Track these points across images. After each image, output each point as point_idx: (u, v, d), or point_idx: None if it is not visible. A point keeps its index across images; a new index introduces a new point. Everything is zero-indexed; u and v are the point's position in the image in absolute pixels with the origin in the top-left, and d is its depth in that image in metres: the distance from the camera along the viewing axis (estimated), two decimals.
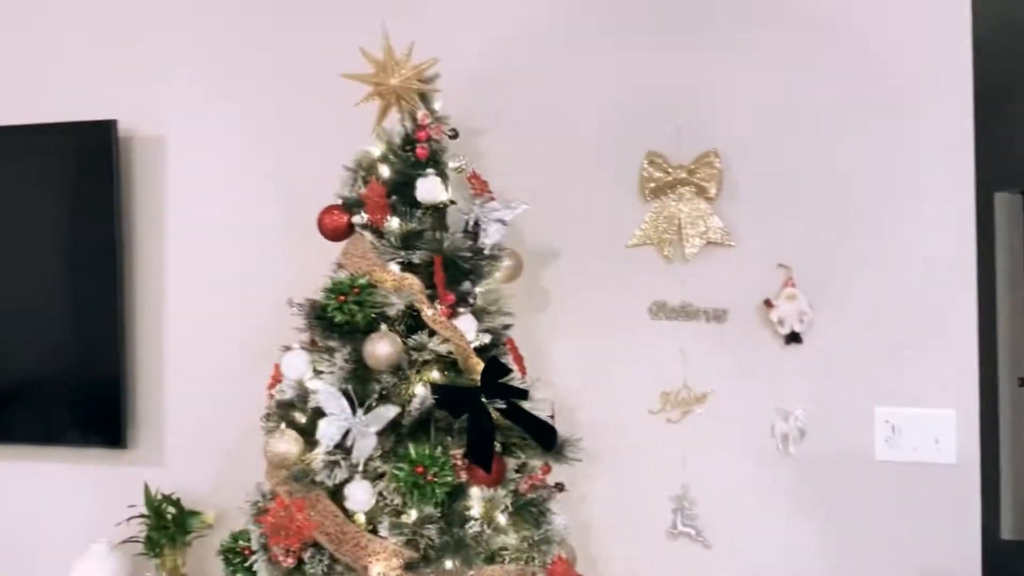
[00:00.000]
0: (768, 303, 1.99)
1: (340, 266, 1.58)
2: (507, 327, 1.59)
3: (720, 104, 2.05)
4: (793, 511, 2.00)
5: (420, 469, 1.34)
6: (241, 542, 1.52)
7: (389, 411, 1.40)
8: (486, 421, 1.40)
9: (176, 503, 2.17)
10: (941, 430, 1.90)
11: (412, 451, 1.36)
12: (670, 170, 2.05)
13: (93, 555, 2.16)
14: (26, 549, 2.44)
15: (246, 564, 1.49)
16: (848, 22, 1.97)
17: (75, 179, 2.31)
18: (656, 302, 2.09)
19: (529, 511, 1.51)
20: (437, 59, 1.57)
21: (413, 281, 1.46)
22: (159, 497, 2.16)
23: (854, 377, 1.96)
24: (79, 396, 2.33)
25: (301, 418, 1.55)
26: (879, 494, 1.95)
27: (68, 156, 2.31)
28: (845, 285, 1.98)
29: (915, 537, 1.92)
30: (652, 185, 2.07)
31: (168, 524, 2.11)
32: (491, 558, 1.42)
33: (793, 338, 1.98)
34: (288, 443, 1.48)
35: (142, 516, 2.16)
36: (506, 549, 1.45)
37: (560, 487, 1.62)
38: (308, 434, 1.49)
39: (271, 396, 1.62)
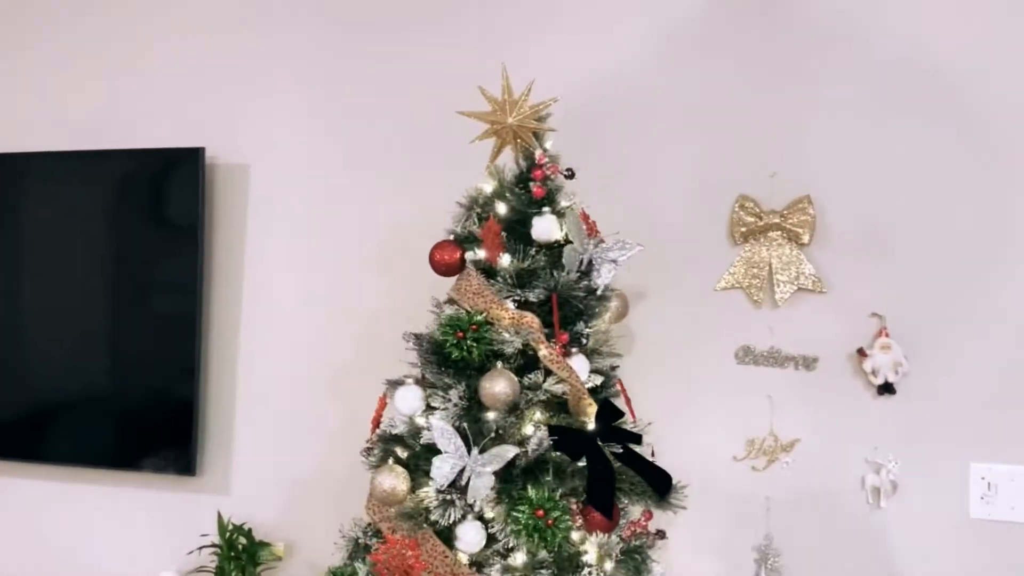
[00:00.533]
0: (862, 352, 1.96)
1: (451, 302, 1.57)
2: (614, 368, 1.57)
3: (815, 150, 2.05)
4: (882, 569, 1.95)
5: (540, 512, 1.32)
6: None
7: (508, 451, 1.38)
8: (607, 466, 1.38)
9: (247, 533, 2.14)
10: None
11: (532, 493, 1.34)
12: (762, 215, 2.04)
13: None
14: (94, 574, 2.42)
15: None
16: (950, 72, 1.96)
17: (161, 205, 2.32)
18: (743, 347, 2.07)
19: (632, 558, 1.48)
20: (556, 99, 1.57)
21: (532, 319, 1.45)
22: (231, 527, 2.13)
23: (949, 431, 1.93)
24: (153, 422, 2.33)
25: (403, 453, 1.53)
26: (974, 554, 1.90)
27: (155, 182, 2.32)
28: (939, 338, 1.95)
29: None
30: (743, 229, 2.06)
31: (239, 555, 2.08)
32: None
33: (886, 389, 1.95)
34: (396, 479, 1.45)
35: (213, 546, 2.13)
36: None
37: (661, 534, 1.59)
38: (415, 470, 1.47)
39: (374, 430, 1.60)
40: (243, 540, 2.13)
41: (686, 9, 2.11)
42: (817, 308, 2.02)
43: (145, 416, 2.34)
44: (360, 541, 1.54)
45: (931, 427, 1.94)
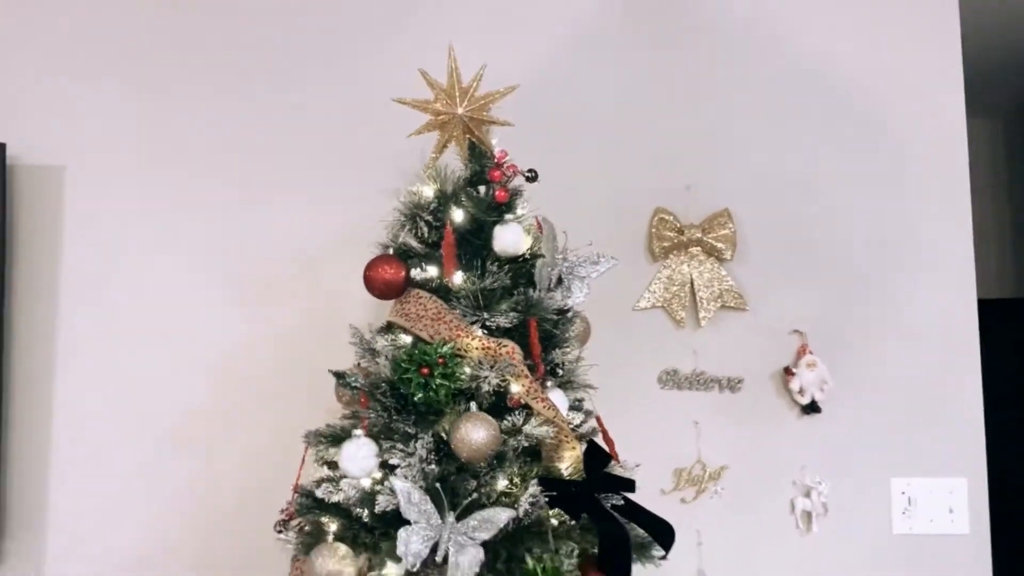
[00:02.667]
0: (788, 371, 1.90)
1: (394, 328, 1.27)
2: (580, 401, 1.35)
3: (731, 163, 1.97)
4: None
5: None
6: None
7: (500, 515, 1.10)
8: (617, 523, 1.15)
9: None
10: (954, 500, 1.89)
11: (531, 565, 1.07)
12: (683, 229, 1.93)
13: None
14: None
15: None
16: (859, 92, 1.98)
17: None
18: (667, 370, 1.94)
19: None
20: (517, 86, 1.34)
21: (513, 348, 1.19)
22: None
23: (871, 448, 1.92)
24: None
25: (333, 525, 1.20)
26: (898, 570, 1.89)
27: None
28: (858, 353, 1.95)
29: None
30: (664, 244, 1.94)
31: None
32: None
33: (812, 408, 1.90)
34: (340, 562, 1.12)
35: None
36: None
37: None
38: (359, 547, 1.15)
39: (296, 494, 1.25)
40: None
41: (600, 19, 1.98)
42: (740, 326, 1.94)
43: None
44: None
45: (854, 444, 1.92)
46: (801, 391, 1.89)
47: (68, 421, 1.86)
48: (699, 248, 1.94)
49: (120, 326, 1.89)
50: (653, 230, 1.95)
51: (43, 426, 1.86)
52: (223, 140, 1.93)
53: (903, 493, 1.90)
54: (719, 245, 1.93)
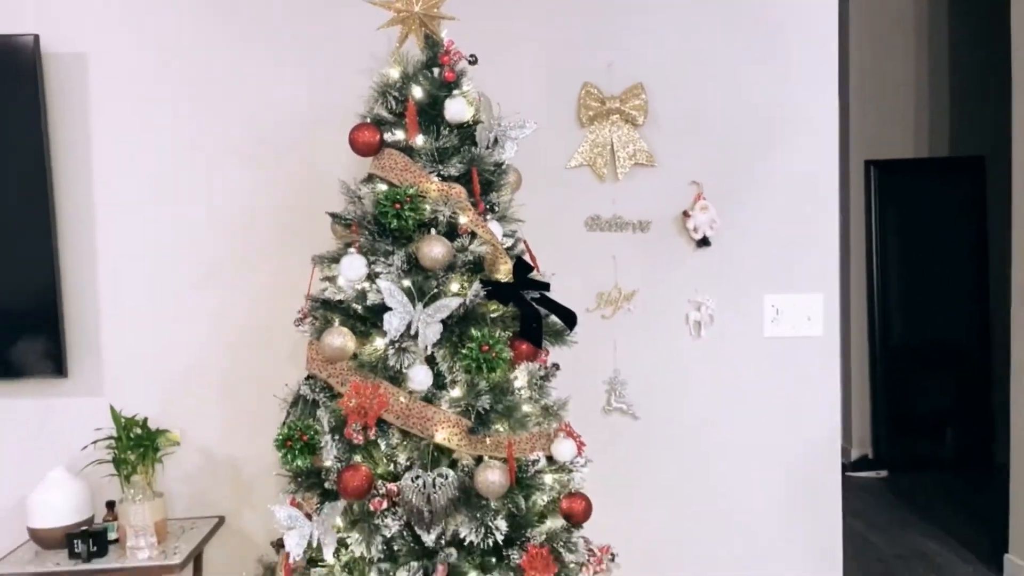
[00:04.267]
0: (686, 214, 2.40)
1: (374, 178, 1.73)
2: (513, 232, 1.84)
3: (646, 44, 2.39)
4: (703, 384, 2.46)
5: (485, 348, 1.58)
6: (295, 431, 1.65)
7: (453, 302, 1.61)
8: (533, 308, 1.67)
9: (143, 424, 2.18)
10: (812, 310, 2.45)
11: (476, 333, 1.59)
12: (604, 100, 2.37)
13: (51, 482, 2.13)
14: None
15: (306, 448, 1.63)
16: None
17: None
18: (591, 216, 2.43)
19: (543, 384, 1.80)
20: None
21: (460, 190, 1.67)
22: (124, 419, 2.16)
23: (749, 272, 2.45)
24: (16, 327, 2.23)
25: (335, 318, 1.70)
26: (767, 362, 2.47)
27: None
28: (742, 198, 2.44)
29: (792, 395, 2.47)
30: (589, 113, 2.38)
31: (140, 442, 2.13)
32: (523, 424, 1.70)
33: (704, 243, 2.42)
34: (344, 338, 1.63)
35: (109, 438, 2.15)
36: (529, 417, 1.73)
37: (557, 367, 1.92)
38: (355, 331, 1.66)
39: (308, 300, 1.75)
40: (138, 430, 2.16)
41: None
42: (649, 179, 2.42)
43: (10, 324, 2.23)
44: (308, 397, 1.71)
45: (736, 269, 2.44)
46: (696, 229, 2.40)
47: (111, 265, 2.32)
48: (618, 116, 2.38)
49: (150, 192, 2.32)
50: (581, 101, 2.39)
51: (90, 269, 2.31)
52: (228, 31, 2.28)
53: (772, 306, 2.45)
54: (634, 113, 2.38)
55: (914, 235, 4.91)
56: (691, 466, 2.46)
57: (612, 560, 1.83)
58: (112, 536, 2.12)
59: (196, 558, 2.21)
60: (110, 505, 2.17)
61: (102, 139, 2.29)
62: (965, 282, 4.89)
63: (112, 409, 2.16)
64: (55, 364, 2.24)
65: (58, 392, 2.30)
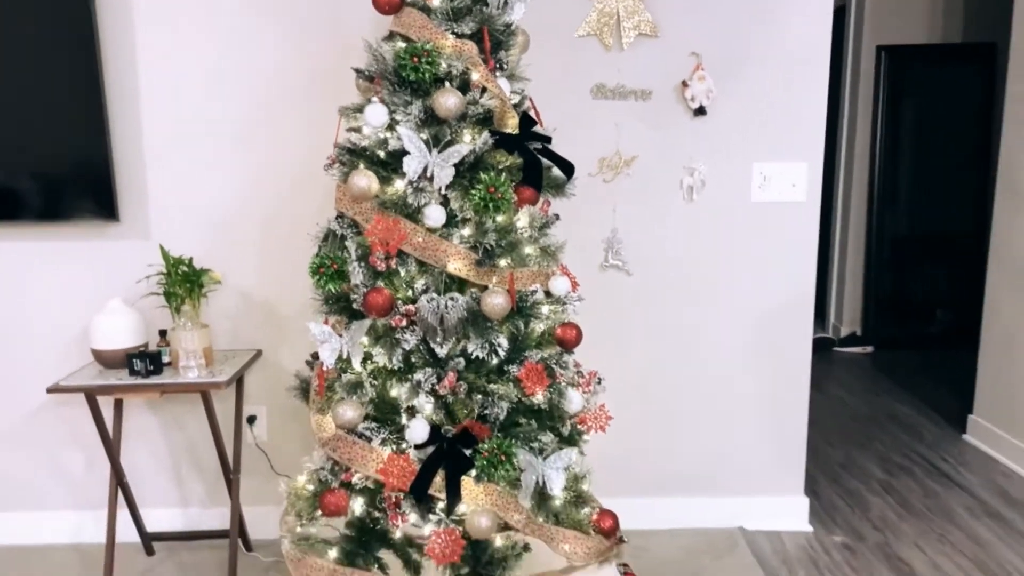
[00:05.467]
0: (684, 83, 2.57)
1: (391, 37, 1.92)
2: (522, 89, 2.03)
3: None
4: (693, 240, 2.70)
5: (492, 189, 1.81)
6: (327, 260, 1.90)
7: (464, 148, 1.83)
8: (535, 156, 1.89)
9: (189, 263, 2.45)
10: (796, 178, 2.65)
11: (484, 177, 1.82)
12: None
13: (111, 310, 2.42)
14: (39, 321, 2.62)
15: (336, 275, 1.89)
16: None
17: None
18: (597, 84, 2.60)
19: (543, 228, 2.04)
20: None
21: (471, 47, 1.85)
22: (172, 259, 2.43)
23: (740, 140, 2.63)
24: (76, 178, 2.48)
25: (360, 162, 1.93)
26: (754, 224, 2.69)
27: None
28: (737, 70, 2.60)
29: (774, 256, 2.70)
30: None
31: (187, 278, 2.41)
32: (523, 261, 1.95)
33: (700, 112, 2.60)
34: (369, 179, 1.86)
35: (160, 274, 2.43)
36: (529, 256, 1.97)
37: (557, 216, 2.14)
38: (381, 176, 1.89)
39: (336, 147, 1.97)
40: (184, 268, 2.43)
41: None
42: (652, 49, 2.58)
43: (62, 169, 2.47)
44: (337, 232, 1.96)
45: (728, 137, 2.63)
46: (693, 99, 2.57)
47: (156, 122, 2.54)
48: None
49: (186, 46, 2.51)
50: None
51: (135, 126, 2.53)
52: None
53: (760, 173, 2.65)
54: None
55: (921, 121, 5.01)
56: (677, 319, 2.72)
57: (599, 384, 2.11)
58: (165, 360, 2.42)
59: (238, 382, 2.52)
60: (162, 333, 2.47)
61: (144, 9, 2.46)
62: (969, 171, 5.03)
63: (162, 248, 2.43)
64: (108, 209, 2.50)
65: (111, 235, 2.57)
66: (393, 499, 1.88)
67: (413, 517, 1.89)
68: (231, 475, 2.53)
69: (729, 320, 2.72)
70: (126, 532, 2.64)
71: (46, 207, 2.48)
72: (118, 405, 2.54)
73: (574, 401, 2.00)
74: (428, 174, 1.84)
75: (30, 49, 2.37)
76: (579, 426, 2.06)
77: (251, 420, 2.72)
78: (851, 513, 2.99)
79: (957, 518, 2.95)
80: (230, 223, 2.59)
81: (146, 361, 2.35)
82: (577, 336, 2.02)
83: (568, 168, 1.96)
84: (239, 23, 2.49)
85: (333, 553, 1.95)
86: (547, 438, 1.94)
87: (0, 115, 2.41)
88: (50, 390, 2.27)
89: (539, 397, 1.93)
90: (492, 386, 1.91)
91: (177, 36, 2.49)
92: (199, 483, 2.78)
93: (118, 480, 2.51)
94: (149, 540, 2.71)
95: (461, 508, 1.88)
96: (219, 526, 2.74)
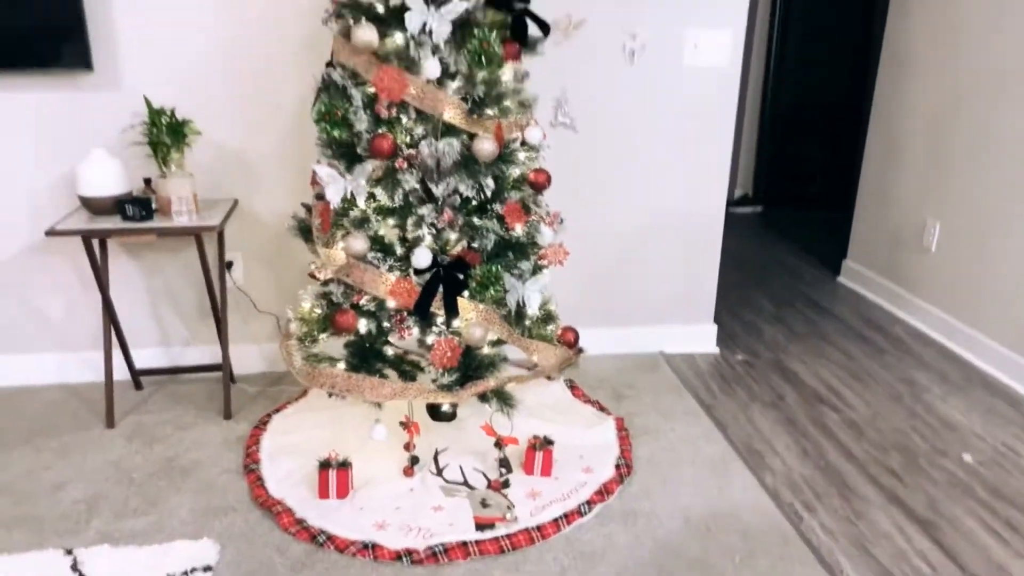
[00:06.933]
0: None
1: None
2: None
3: None
4: (632, 101, 3.03)
5: (484, 44, 2.06)
6: (332, 107, 2.11)
7: (460, 6, 2.05)
8: (520, 15, 2.14)
9: (172, 114, 2.58)
10: (722, 43, 2.99)
11: (477, 32, 2.06)
12: None
13: (97, 158, 2.54)
14: (20, 165, 2.69)
15: (341, 121, 2.11)
16: None
17: None
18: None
19: (522, 83, 2.31)
20: None
21: None
22: (156, 110, 2.55)
23: (675, 8, 2.93)
24: (50, 26, 2.50)
25: (360, 16, 2.12)
26: (687, 88, 3.04)
27: None
28: None
29: (699, 114, 3.08)
30: None
31: (177, 127, 2.55)
32: (506, 112, 2.23)
33: None
34: (372, 32, 2.06)
35: (144, 124, 2.55)
36: (510, 107, 2.25)
37: (527, 73, 2.40)
38: (381, 27, 2.10)
39: (334, 1, 2.14)
40: (167, 118, 2.56)
41: None
42: None
43: (40, 18, 2.49)
44: (339, 82, 2.16)
45: (663, 5, 2.92)
46: None
47: None
48: None
49: None
50: None
51: None
52: None
53: (692, 40, 2.98)
54: None
55: (814, 4, 5.43)
56: (617, 172, 3.09)
57: (561, 223, 2.47)
58: (153, 206, 2.58)
59: (219, 233, 2.72)
60: (147, 181, 2.62)
61: None
62: (853, 50, 5.53)
63: (146, 99, 2.54)
64: (83, 58, 2.56)
65: (84, 86, 2.64)
66: (399, 316, 2.20)
67: (416, 331, 2.23)
68: (219, 313, 2.77)
69: (661, 174, 3.12)
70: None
71: (18, 56, 2.50)
72: (103, 250, 2.69)
73: (546, 235, 2.35)
74: (427, 29, 2.06)
75: None
76: (539, 261, 2.42)
77: (229, 266, 2.94)
78: (749, 338, 3.57)
79: (832, 339, 3.57)
80: (200, 75, 2.70)
81: (138, 207, 2.51)
82: (547, 180, 2.35)
83: (545, 27, 2.23)
84: None
85: (341, 365, 2.27)
86: (525, 265, 2.30)
87: None
88: (48, 233, 2.41)
89: (519, 231, 2.27)
90: (480, 221, 2.23)
91: None
92: (180, 324, 3.00)
93: (111, 319, 2.70)
94: (137, 376, 2.94)
95: (455, 323, 2.23)
96: (199, 362, 3.00)
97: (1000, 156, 3.18)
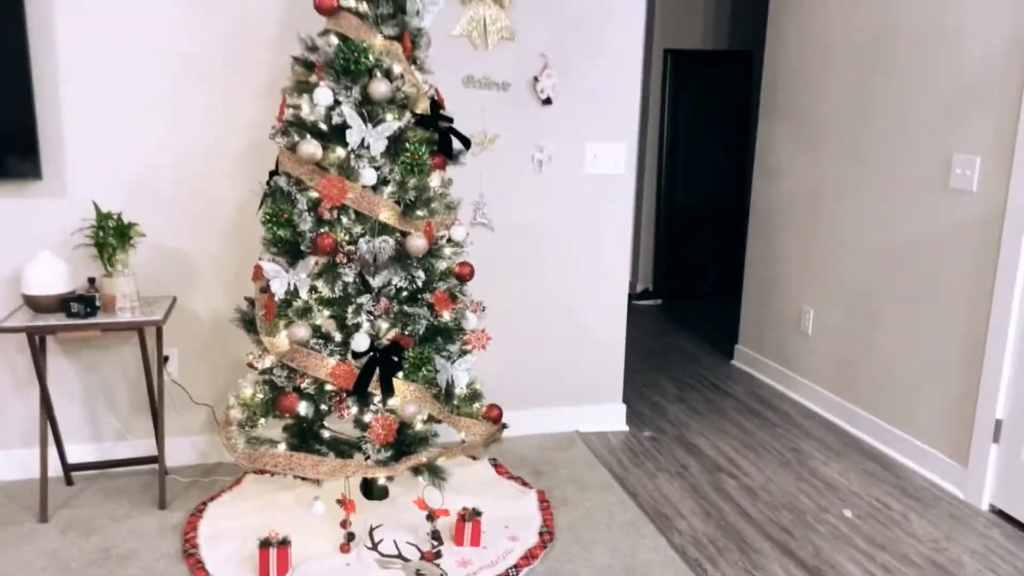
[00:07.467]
0: (535, 79, 3.26)
1: (329, 32, 2.42)
2: (427, 79, 2.60)
3: None
4: (541, 204, 3.41)
5: (416, 157, 2.38)
6: (278, 211, 2.37)
7: (393, 124, 2.37)
8: (444, 132, 2.48)
9: (118, 218, 2.78)
10: (617, 155, 3.44)
11: (409, 147, 2.38)
12: None
13: (43, 259, 2.69)
14: None
15: (285, 223, 2.36)
16: None
17: None
18: (467, 76, 3.22)
19: (447, 188, 2.64)
20: None
21: (397, 46, 2.40)
22: (103, 214, 2.75)
23: (577, 125, 3.37)
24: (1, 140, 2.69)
25: (305, 134, 2.42)
26: (587, 192, 3.45)
27: None
28: (575, 69, 3.33)
29: (598, 216, 3.49)
30: None
31: (118, 230, 2.74)
32: (433, 213, 2.54)
33: (547, 102, 3.30)
34: (314, 146, 2.36)
35: (92, 227, 2.74)
36: (438, 209, 2.57)
37: (451, 180, 2.74)
38: (323, 147, 2.39)
39: (280, 120, 2.43)
40: (113, 222, 2.75)
41: None
42: (510, 50, 3.23)
43: None
44: (284, 189, 2.43)
45: (568, 122, 3.36)
46: (542, 91, 3.27)
47: (76, 91, 2.81)
48: None
49: (104, 25, 2.80)
50: None
51: (54, 94, 2.79)
52: None
53: (591, 151, 3.41)
54: None
55: (697, 114, 6.11)
56: (528, 266, 3.43)
57: (483, 310, 2.76)
58: (96, 304, 2.73)
59: (157, 328, 2.88)
60: (91, 280, 2.78)
61: None
62: (732, 158, 6.21)
63: (95, 204, 2.74)
64: (33, 168, 2.75)
65: (34, 193, 2.81)
66: (339, 397, 2.41)
67: (355, 410, 2.43)
68: (156, 406, 2.89)
69: (567, 268, 3.47)
70: (36, 468, 2.84)
71: None
72: (43, 347, 2.80)
73: (471, 321, 2.63)
74: (365, 144, 2.37)
75: None
76: (464, 346, 2.69)
77: (166, 360, 3.07)
78: (655, 417, 3.89)
79: (729, 415, 3.94)
80: (142, 183, 2.92)
81: (83, 304, 2.66)
82: (471, 272, 2.65)
83: (466, 142, 2.58)
84: (155, 3, 2.82)
85: (282, 446, 2.44)
86: (454, 347, 2.56)
87: None
88: None
89: (446, 317, 2.54)
90: (412, 308, 2.49)
91: (95, 14, 2.77)
92: (113, 418, 3.09)
93: (48, 414, 2.78)
94: (70, 471, 2.99)
95: (391, 402, 2.45)
96: (132, 455, 3.07)
97: (859, 250, 3.70)
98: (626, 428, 3.70)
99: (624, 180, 3.46)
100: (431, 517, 2.56)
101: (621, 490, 3.06)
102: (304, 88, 2.39)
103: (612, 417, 3.67)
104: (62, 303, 2.65)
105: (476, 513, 2.60)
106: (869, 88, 3.56)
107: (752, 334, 4.58)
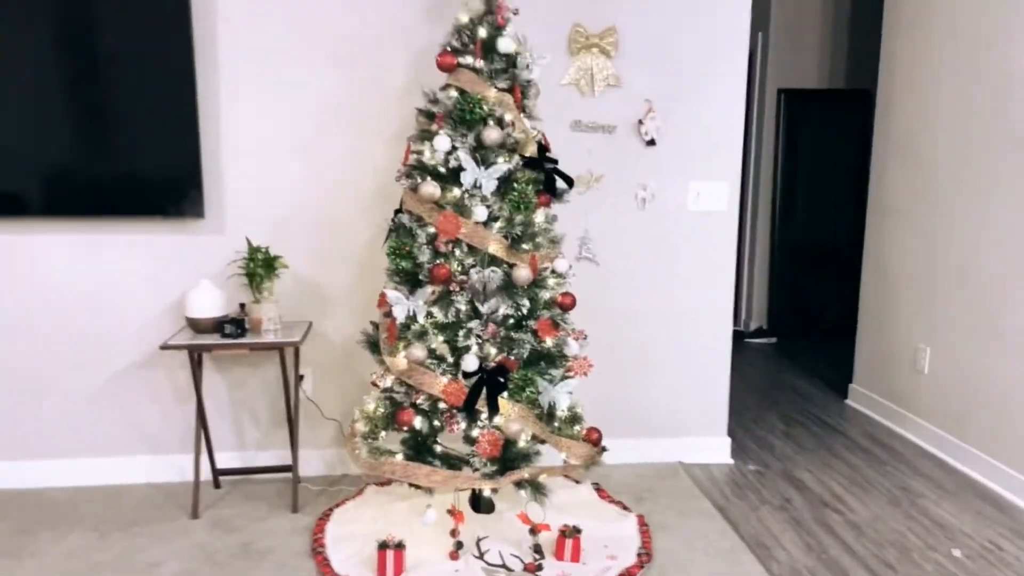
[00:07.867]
0: (640, 122, 3.46)
1: (449, 87, 2.72)
2: (536, 125, 2.85)
3: None
4: (644, 240, 3.57)
5: (523, 195, 2.63)
6: (401, 244, 2.67)
7: (503, 167, 2.63)
8: (549, 173, 2.72)
9: (266, 251, 3.16)
10: (720, 194, 3.56)
11: (517, 187, 2.63)
12: (588, 37, 3.37)
13: (203, 287, 3.10)
14: (138, 304, 3.26)
15: (407, 255, 2.66)
16: None
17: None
18: (575, 120, 3.45)
19: (551, 224, 2.86)
20: None
21: (508, 97, 2.67)
22: (254, 247, 3.14)
23: (680, 164, 3.53)
24: (175, 184, 3.15)
25: (426, 176, 2.71)
26: (690, 229, 3.59)
27: None
28: (680, 112, 3.50)
29: (704, 252, 3.61)
30: (576, 46, 3.38)
31: (265, 262, 3.12)
32: (538, 247, 2.77)
33: (651, 143, 3.48)
34: (433, 187, 2.65)
35: (244, 259, 3.13)
36: (542, 243, 2.79)
37: (556, 217, 2.97)
38: (442, 188, 2.68)
39: (405, 164, 2.74)
40: (261, 256, 3.14)
41: None
42: (616, 96, 3.45)
43: (170, 177, 3.14)
44: (406, 225, 2.73)
45: (672, 162, 3.52)
46: (646, 133, 3.46)
47: (232, 140, 3.25)
48: (597, 48, 3.38)
49: (260, 78, 3.23)
50: (571, 37, 3.37)
51: (215, 144, 3.23)
52: None
53: (695, 189, 3.55)
54: (608, 47, 3.38)
55: (812, 152, 6.10)
56: (632, 300, 3.59)
57: (585, 339, 2.94)
58: (246, 326, 3.12)
59: (295, 349, 3.24)
60: (242, 306, 3.17)
61: (228, 48, 3.18)
62: (850, 196, 6.14)
63: (248, 240, 3.14)
64: (198, 208, 3.18)
65: (196, 231, 3.25)
66: (449, 413, 2.65)
67: (464, 425, 2.66)
68: (292, 420, 3.23)
69: (670, 303, 3.61)
70: (190, 471, 3.22)
71: (142, 205, 3.13)
72: (200, 364, 3.20)
73: (572, 347, 2.82)
74: (477, 184, 2.64)
75: (138, 81, 3.04)
76: (566, 373, 2.87)
77: (301, 378, 3.43)
78: (760, 451, 3.92)
79: (837, 452, 3.91)
80: (286, 219, 3.31)
81: (235, 326, 3.04)
82: (572, 302, 2.84)
83: (569, 181, 2.80)
84: (304, 62, 3.22)
85: (399, 456, 2.70)
86: (556, 372, 2.75)
87: (116, 131, 3.05)
88: (163, 347, 2.94)
89: (549, 343, 2.74)
90: (517, 334, 2.71)
91: (253, 76, 3.20)
92: (255, 430, 3.46)
93: (203, 424, 3.18)
94: (218, 475, 3.37)
95: (496, 420, 2.67)
96: (269, 463, 3.42)
97: (979, 289, 3.63)
98: (731, 461, 3.75)
99: (727, 217, 3.57)
100: (533, 531, 2.73)
101: (722, 519, 3.13)
102: (426, 136, 2.68)
103: (716, 450, 3.73)
104: (217, 325, 3.04)
105: (577, 530, 2.75)
106: (987, 132, 3.53)
107: (867, 373, 4.51)
